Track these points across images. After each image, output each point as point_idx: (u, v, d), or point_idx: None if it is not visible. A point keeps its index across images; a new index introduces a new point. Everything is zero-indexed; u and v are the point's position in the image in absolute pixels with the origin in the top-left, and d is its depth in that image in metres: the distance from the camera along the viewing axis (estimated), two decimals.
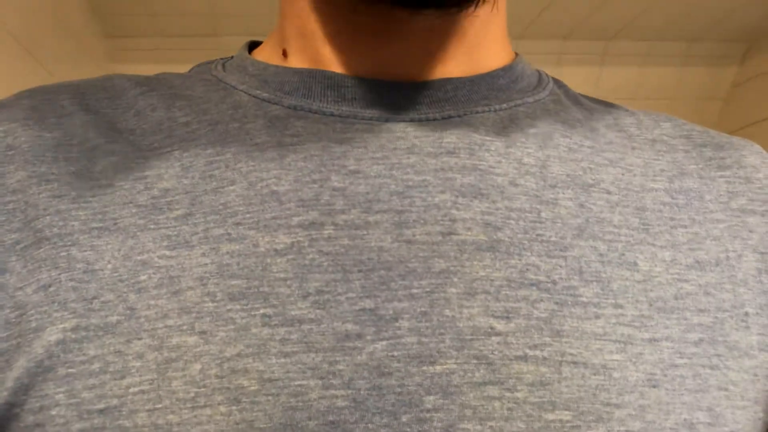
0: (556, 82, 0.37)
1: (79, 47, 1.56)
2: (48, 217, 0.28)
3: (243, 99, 0.32)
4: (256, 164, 0.29)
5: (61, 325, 0.26)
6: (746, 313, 0.30)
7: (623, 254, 0.29)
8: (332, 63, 0.32)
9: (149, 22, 1.78)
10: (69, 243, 0.28)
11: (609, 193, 0.31)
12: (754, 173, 0.34)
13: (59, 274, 0.27)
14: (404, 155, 0.30)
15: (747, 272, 0.31)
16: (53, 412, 0.26)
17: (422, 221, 0.28)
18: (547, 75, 0.36)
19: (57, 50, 1.38)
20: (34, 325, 0.27)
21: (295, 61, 0.34)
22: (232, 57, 0.37)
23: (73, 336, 0.26)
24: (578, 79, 1.75)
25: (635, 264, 0.29)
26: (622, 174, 0.32)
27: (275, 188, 0.29)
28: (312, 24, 0.33)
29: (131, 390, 0.25)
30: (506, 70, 0.34)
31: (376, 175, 0.29)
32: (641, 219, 0.30)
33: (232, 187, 0.29)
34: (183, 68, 0.39)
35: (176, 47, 1.86)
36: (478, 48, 0.33)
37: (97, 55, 1.72)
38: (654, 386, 0.27)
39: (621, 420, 0.26)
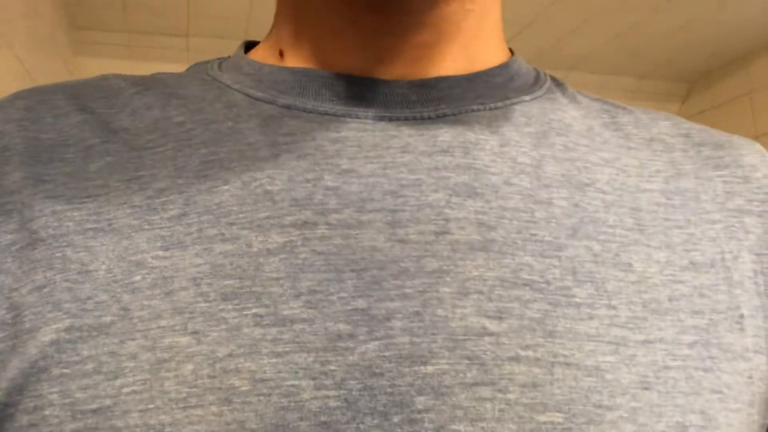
0: (554, 80, 0.37)
1: (49, 36, 1.53)
2: (43, 218, 0.28)
3: (237, 98, 0.32)
4: (250, 164, 0.29)
5: (55, 326, 0.26)
6: (741, 315, 0.30)
7: (618, 255, 0.29)
8: (328, 61, 0.32)
9: (119, 17, 1.75)
10: (64, 244, 0.28)
11: (604, 193, 0.31)
12: (753, 173, 0.33)
13: (54, 275, 0.27)
14: (398, 154, 0.30)
15: (743, 273, 0.31)
16: (47, 412, 0.26)
17: (415, 220, 0.28)
18: (545, 73, 0.36)
19: (27, 37, 1.35)
20: (28, 326, 0.27)
21: (292, 61, 0.33)
22: (229, 57, 0.37)
23: (67, 336, 0.26)
24: None
25: (630, 265, 0.29)
26: (617, 174, 0.32)
27: (269, 188, 0.29)
28: (307, 22, 0.33)
29: (124, 390, 0.25)
30: (502, 68, 0.34)
31: (370, 174, 0.29)
32: (636, 219, 0.30)
33: (225, 187, 0.29)
34: (151, 66, 0.39)
35: (145, 45, 1.83)
36: (474, 44, 0.33)
37: (63, 45, 1.68)
38: (646, 388, 0.27)
39: (612, 422, 0.26)
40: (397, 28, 0.31)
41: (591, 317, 0.27)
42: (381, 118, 0.31)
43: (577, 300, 0.28)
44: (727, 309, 0.30)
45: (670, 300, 0.29)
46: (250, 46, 0.38)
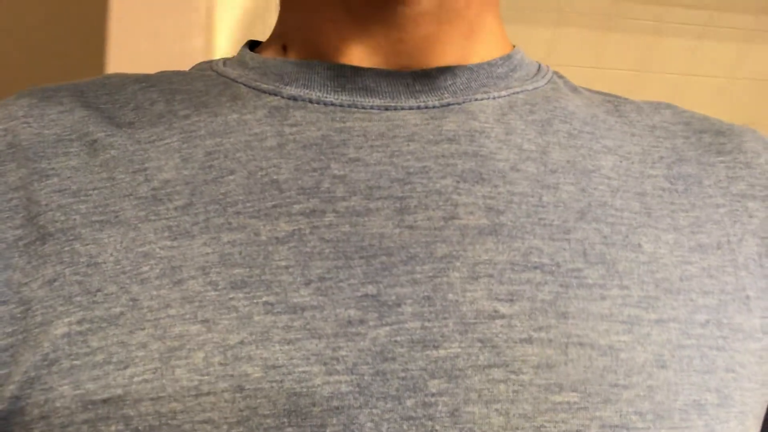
0: (556, 73, 0.37)
1: None
2: (50, 213, 0.29)
3: (242, 91, 0.32)
4: (256, 153, 0.30)
5: (67, 319, 0.27)
6: (748, 297, 0.30)
7: (627, 236, 0.29)
8: (331, 53, 0.33)
9: None
10: (71, 237, 0.28)
11: (609, 178, 0.31)
12: (755, 158, 0.34)
13: (63, 269, 0.28)
14: (404, 143, 0.30)
15: (748, 256, 0.31)
16: (58, 404, 0.26)
17: (424, 207, 0.28)
18: (546, 66, 0.37)
19: None
20: (39, 319, 0.27)
21: (295, 55, 0.34)
22: (232, 57, 0.37)
23: (78, 329, 0.27)
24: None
25: (640, 246, 0.29)
26: (620, 161, 0.32)
27: (275, 177, 0.29)
28: (307, 15, 0.33)
29: (135, 380, 0.25)
30: (504, 59, 0.34)
31: (377, 163, 0.29)
32: (642, 203, 0.31)
33: (231, 177, 0.29)
34: None
35: None
36: (476, 34, 0.33)
37: None
38: (662, 367, 0.27)
39: (629, 401, 0.26)
40: (398, 20, 0.32)
41: (603, 297, 0.27)
42: (386, 108, 0.31)
43: (589, 281, 0.28)
44: (734, 290, 0.30)
45: (681, 280, 0.29)
46: (254, 46, 0.38)
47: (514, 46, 0.36)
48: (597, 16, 1.40)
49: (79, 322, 0.27)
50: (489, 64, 0.33)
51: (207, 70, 0.35)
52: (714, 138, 0.34)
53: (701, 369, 0.28)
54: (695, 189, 0.32)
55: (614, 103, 0.36)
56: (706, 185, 0.32)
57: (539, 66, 0.36)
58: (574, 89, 0.36)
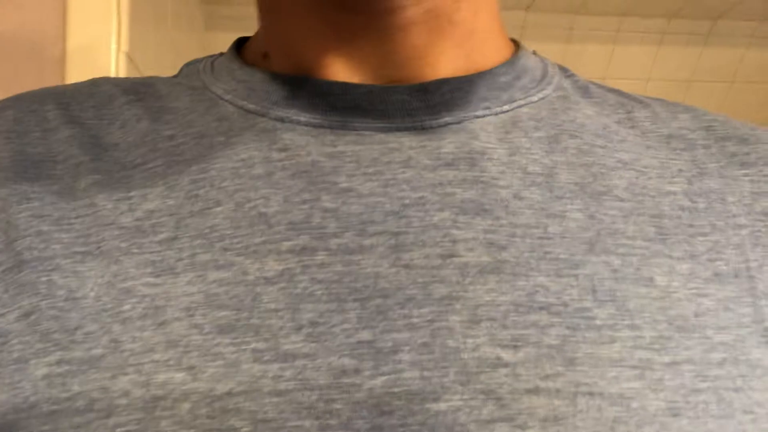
0: (563, 70, 0.34)
1: (180, 11, 1.43)
2: (28, 239, 0.27)
3: (228, 110, 0.30)
4: (243, 182, 0.28)
5: (46, 359, 0.25)
6: (766, 328, 0.28)
7: (639, 269, 0.27)
8: (317, 67, 0.30)
9: None
10: (49, 268, 0.27)
11: (622, 200, 0.29)
12: None
13: (39, 302, 0.26)
14: (399, 169, 0.28)
15: (767, 283, 0.29)
16: None
17: (420, 243, 0.26)
18: (552, 65, 0.34)
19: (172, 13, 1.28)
20: (15, 355, 0.25)
21: (278, 64, 0.32)
22: (222, 54, 0.35)
23: (58, 370, 0.25)
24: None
25: (652, 279, 0.27)
26: (637, 177, 0.30)
27: (263, 210, 0.27)
28: (289, 23, 0.31)
29: (118, 430, 0.24)
30: (507, 65, 0.32)
31: (370, 194, 0.27)
32: (658, 228, 0.28)
33: (218, 209, 0.27)
34: None
35: None
36: (471, 39, 0.31)
37: (197, 21, 1.58)
38: (675, 415, 0.25)
39: None
40: (384, 31, 0.29)
41: (613, 340, 0.26)
42: (380, 129, 0.29)
43: (598, 322, 0.26)
44: (752, 322, 0.28)
45: (695, 316, 0.27)
46: (243, 41, 0.36)
47: (518, 46, 0.34)
48: (511, 27, 1.43)
49: (59, 363, 0.25)
50: (491, 73, 0.31)
51: (194, 77, 0.33)
52: (738, 146, 0.32)
53: (718, 414, 0.26)
54: (718, 207, 0.30)
55: (627, 108, 0.33)
56: (730, 202, 0.30)
57: (546, 67, 0.33)
58: (585, 91, 0.33)
